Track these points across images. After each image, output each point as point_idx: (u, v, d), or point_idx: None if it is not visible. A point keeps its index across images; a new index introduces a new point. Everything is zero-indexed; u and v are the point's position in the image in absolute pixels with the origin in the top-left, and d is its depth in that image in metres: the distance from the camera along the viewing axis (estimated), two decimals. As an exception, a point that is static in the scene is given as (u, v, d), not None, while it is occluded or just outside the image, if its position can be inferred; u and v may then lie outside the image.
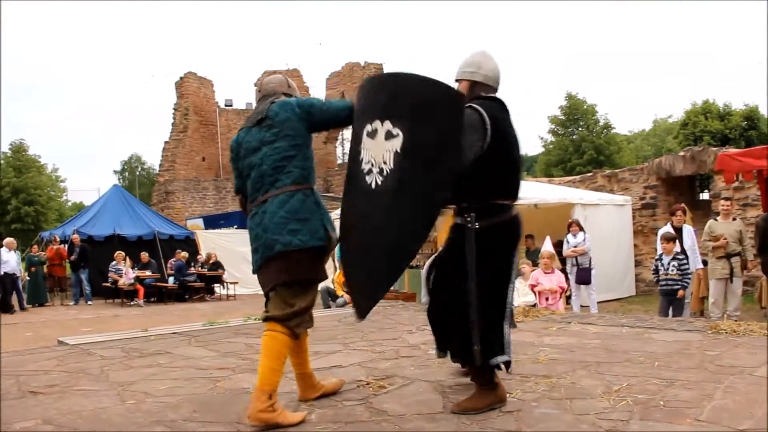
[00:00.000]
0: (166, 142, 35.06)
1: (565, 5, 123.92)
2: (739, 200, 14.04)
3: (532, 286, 9.00)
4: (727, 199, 10.47)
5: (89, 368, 5.43)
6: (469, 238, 3.68)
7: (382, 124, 3.47)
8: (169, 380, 4.90)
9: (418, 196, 3.42)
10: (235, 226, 22.88)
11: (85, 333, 9.61)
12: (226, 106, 38.54)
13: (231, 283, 19.90)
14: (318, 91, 37.15)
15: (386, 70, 32.76)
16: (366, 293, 3.70)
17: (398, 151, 3.39)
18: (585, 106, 44.03)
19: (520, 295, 9.55)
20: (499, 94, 3.91)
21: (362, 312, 3.65)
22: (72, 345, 6.73)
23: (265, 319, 3.83)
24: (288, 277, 3.76)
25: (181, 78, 36.19)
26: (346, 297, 11.50)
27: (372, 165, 3.52)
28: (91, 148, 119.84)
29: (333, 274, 12.52)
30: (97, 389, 4.65)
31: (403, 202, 3.43)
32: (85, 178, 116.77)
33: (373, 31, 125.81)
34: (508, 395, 3.98)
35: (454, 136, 3.40)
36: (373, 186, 3.51)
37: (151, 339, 6.97)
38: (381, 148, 3.47)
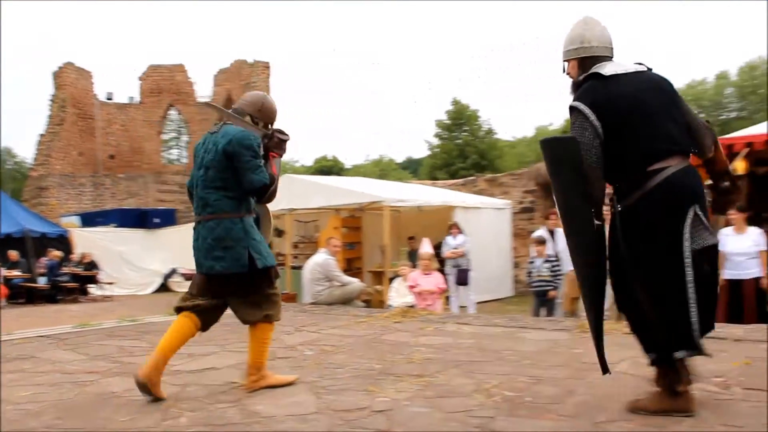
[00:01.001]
0: (41, 135, 33.37)
1: (453, 5, 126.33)
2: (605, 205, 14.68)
3: (411, 287, 9.13)
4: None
5: (-57, 373, 5.11)
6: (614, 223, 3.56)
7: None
8: (33, 386, 4.68)
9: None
10: (114, 225, 22.06)
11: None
12: (106, 99, 37.03)
13: (107, 283, 19.19)
14: (204, 88, 36.45)
15: (274, 68, 32.64)
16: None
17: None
18: (469, 112, 45.12)
19: (400, 295, 9.69)
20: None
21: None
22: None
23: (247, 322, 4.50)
24: (222, 293, 4.39)
25: (59, 68, 34.51)
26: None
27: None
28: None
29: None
30: (-51, 396, 4.38)
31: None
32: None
33: (262, 27, 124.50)
34: (380, 396, 4.03)
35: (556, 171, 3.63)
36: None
37: (15, 342, 6.63)
38: None
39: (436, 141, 46.61)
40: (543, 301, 9.39)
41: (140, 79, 35.85)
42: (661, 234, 3.38)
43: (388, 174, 55.66)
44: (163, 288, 19.01)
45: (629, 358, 4.10)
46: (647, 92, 3.54)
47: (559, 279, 9.50)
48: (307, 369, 5.01)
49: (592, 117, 3.46)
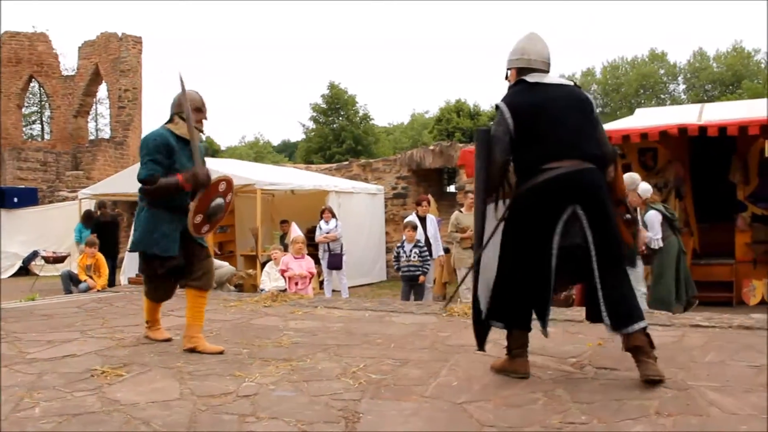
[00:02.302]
0: None
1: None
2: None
3: (282, 271, 9.08)
4: (469, 192, 11.18)
5: None
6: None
7: None
8: None
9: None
10: None
11: None
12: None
13: None
14: (70, 60, 34.59)
15: (146, 43, 31.32)
16: None
17: None
18: (346, 96, 45.18)
19: (271, 279, 9.63)
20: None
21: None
22: None
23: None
24: None
25: None
26: (90, 282, 10.90)
27: None
28: None
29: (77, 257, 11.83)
30: None
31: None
32: None
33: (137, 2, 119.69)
34: (246, 380, 4.03)
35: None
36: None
37: None
38: None
39: (311, 124, 46.45)
40: (412, 285, 9.55)
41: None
42: (535, 223, 3.87)
43: (264, 157, 55.10)
44: (24, 272, 18.01)
45: (492, 341, 4.25)
46: (563, 102, 3.99)
47: (428, 264, 9.69)
48: (172, 354, 4.90)
49: (508, 115, 3.94)
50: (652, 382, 3.66)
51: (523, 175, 3.96)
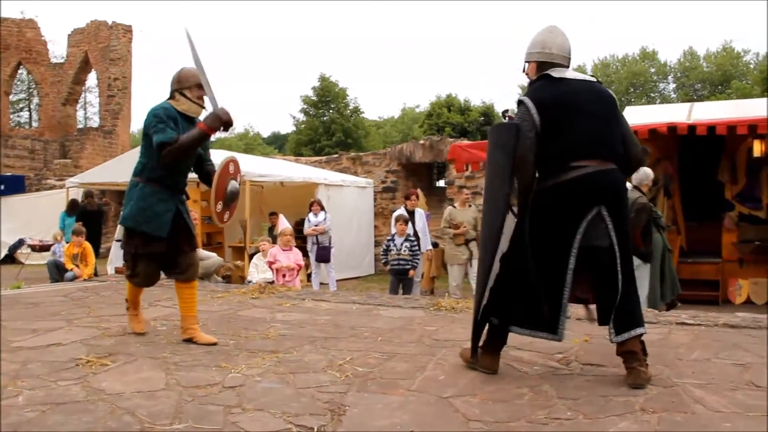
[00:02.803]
0: None
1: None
2: (470, 188, 15.13)
3: (270, 263, 9.06)
4: (462, 188, 11.21)
5: None
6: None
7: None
8: None
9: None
10: None
11: None
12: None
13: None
14: (59, 47, 34.34)
15: (136, 32, 31.15)
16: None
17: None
18: (337, 89, 45.08)
19: (259, 271, 9.61)
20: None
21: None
22: None
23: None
24: None
25: None
26: (76, 271, 10.84)
27: None
28: None
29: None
30: None
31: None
32: None
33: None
34: (232, 372, 4.03)
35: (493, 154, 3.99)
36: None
37: None
38: None
39: (302, 117, 46.33)
40: (401, 279, 9.56)
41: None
42: (559, 221, 3.78)
43: (254, 148, 54.95)
44: (10, 260, 17.88)
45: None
46: (588, 98, 3.89)
47: (417, 258, 9.70)
48: (158, 345, 4.88)
49: (533, 111, 3.81)
50: (638, 387, 3.64)
51: (548, 172, 3.84)
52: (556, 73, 3.94)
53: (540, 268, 3.78)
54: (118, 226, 5.02)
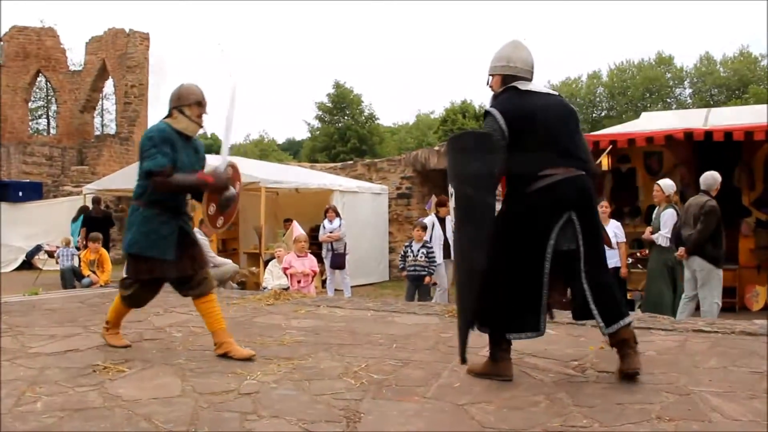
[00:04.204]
0: None
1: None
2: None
3: (285, 269, 9.09)
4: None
5: None
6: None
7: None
8: None
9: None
10: None
11: None
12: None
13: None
14: (77, 55, 34.57)
15: (153, 40, 31.33)
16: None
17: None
18: (352, 96, 45.20)
19: (274, 278, 9.63)
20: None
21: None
22: None
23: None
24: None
25: None
26: (93, 277, 10.91)
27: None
28: None
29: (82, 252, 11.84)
30: None
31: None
32: None
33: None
34: (248, 378, 4.05)
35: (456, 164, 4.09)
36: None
37: None
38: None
39: (317, 123, 46.47)
40: (417, 285, 9.55)
41: (2, 40, 33.44)
42: (533, 229, 3.93)
43: (269, 155, 55.08)
44: (27, 266, 18.01)
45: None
46: (553, 111, 4.08)
47: (434, 265, 9.68)
48: (174, 351, 4.91)
49: (501, 121, 3.96)
50: (629, 376, 3.85)
51: (517, 181, 4.02)
52: (522, 85, 4.12)
53: (517, 275, 3.94)
54: (124, 236, 4.93)
